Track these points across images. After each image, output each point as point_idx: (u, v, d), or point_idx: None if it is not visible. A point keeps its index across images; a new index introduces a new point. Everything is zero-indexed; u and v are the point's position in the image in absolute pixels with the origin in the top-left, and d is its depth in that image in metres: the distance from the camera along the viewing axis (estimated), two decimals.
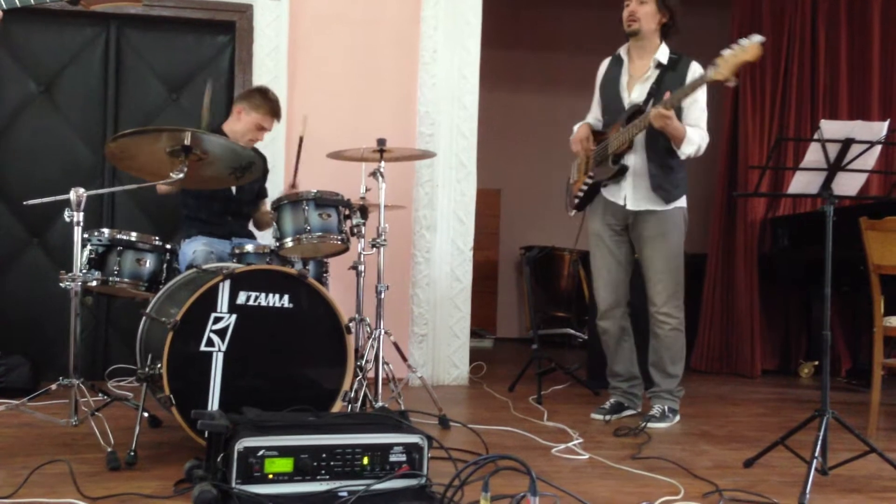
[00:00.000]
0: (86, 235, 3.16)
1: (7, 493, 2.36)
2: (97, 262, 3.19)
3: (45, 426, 3.33)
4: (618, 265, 4.06)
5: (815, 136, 2.91)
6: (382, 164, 3.83)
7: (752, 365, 6.10)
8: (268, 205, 4.39)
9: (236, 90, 4.84)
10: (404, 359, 4.02)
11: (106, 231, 3.24)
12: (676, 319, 3.94)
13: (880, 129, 2.93)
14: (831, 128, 2.91)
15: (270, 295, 2.98)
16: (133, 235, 3.28)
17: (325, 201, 3.47)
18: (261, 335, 2.96)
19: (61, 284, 3.00)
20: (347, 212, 3.59)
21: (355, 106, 5.07)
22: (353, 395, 3.43)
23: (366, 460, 2.43)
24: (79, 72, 4.94)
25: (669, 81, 3.80)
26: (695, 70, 3.84)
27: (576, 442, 3.39)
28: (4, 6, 2.56)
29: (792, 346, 6.45)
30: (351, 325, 3.16)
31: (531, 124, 8.55)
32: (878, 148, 2.94)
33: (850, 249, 3.86)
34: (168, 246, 3.37)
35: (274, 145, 4.84)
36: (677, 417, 3.99)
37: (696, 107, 3.84)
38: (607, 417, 4.00)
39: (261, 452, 2.33)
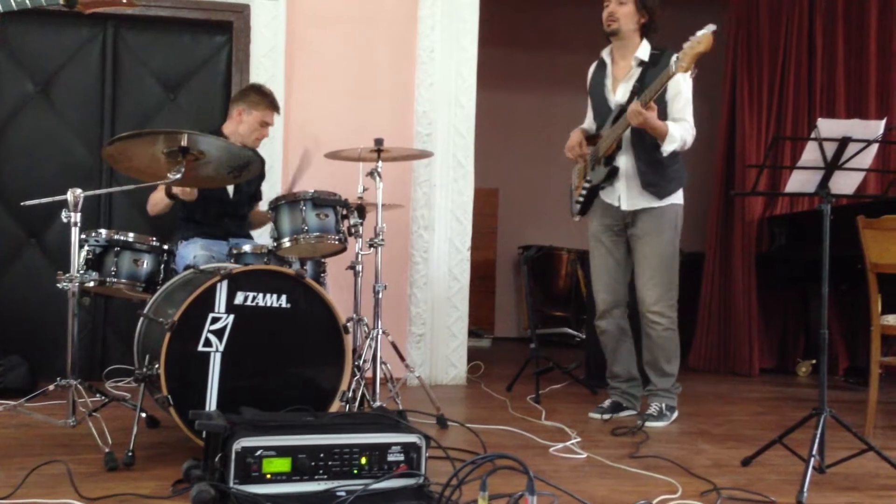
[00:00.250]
0: (83, 236, 3.15)
1: (5, 494, 2.36)
2: (95, 262, 3.19)
3: (42, 427, 3.33)
4: (616, 265, 4.06)
5: (812, 135, 2.92)
6: (380, 163, 3.83)
7: (750, 364, 6.11)
8: (262, 207, 4.40)
9: (233, 90, 4.84)
10: (402, 358, 4.01)
11: (103, 232, 3.25)
12: (668, 319, 3.92)
13: (877, 127, 2.93)
14: (828, 126, 2.91)
15: (268, 295, 2.98)
16: (130, 236, 3.28)
17: (322, 201, 3.47)
18: (258, 335, 2.96)
19: (59, 285, 3.00)
20: (345, 212, 3.59)
21: (352, 106, 5.07)
22: (350, 394, 3.43)
23: (364, 460, 2.43)
24: (76, 72, 4.94)
25: (651, 77, 3.80)
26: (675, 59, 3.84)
27: (574, 441, 3.39)
28: (1, 8, 2.56)
29: (789, 345, 6.46)
30: (349, 324, 3.16)
31: (529, 123, 8.55)
32: (875, 146, 2.95)
33: (847, 248, 3.87)
34: (165, 247, 3.36)
35: (272, 146, 4.84)
36: (675, 414, 4.00)
37: (680, 98, 3.84)
38: (605, 417, 4.00)
39: (259, 452, 2.33)
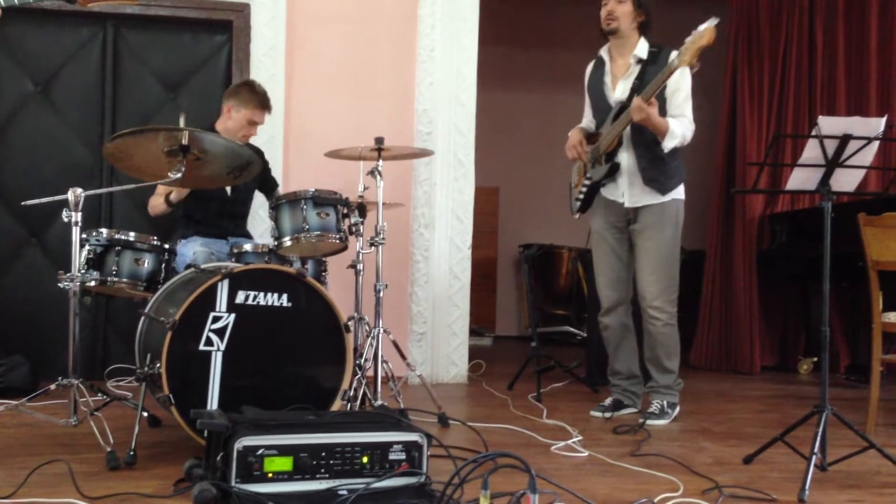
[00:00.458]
0: (84, 235, 3.15)
1: (7, 493, 2.36)
2: (96, 262, 3.19)
3: (44, 426, 3.33)
4: (620, 263, 4.07)
5: (813, 133, 2.92)
6: (380, 162, 3.83)
7: (751, 361, 6.10)
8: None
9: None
10: (403, 357, 4.02)
11: (104, 231, 3.24)
12: (668, 314, 3.93)
13: (878, 125, 2.93)
14: (829, 124, 2.91)
15: (269, 294, 2.98)
16: (131, 235, 3.28)
17: (323, 200, 3.47)
18: (260, 334, 2.96)
19: (60, 284, 3.00)
20: (346, 210, 3.58)
21: (353, 104, 5.07)
22: (352, 393, 3.43)
23: (365, 459, 2.43)
24: (76, 71, 4.94)
25: (651, 74, 3.81)
26: (673, 57, 3.84)
27: (575, 439, 3.39)
28: (3, 4, 2.56)
29: (791, 343, 6.45)
30: (350, 323, 3.16)
31: (529, 122, 8.55)
32: (876, 144, 2.94)
33: (848, 245, 3.86)
34: (166, 246, 3.36)
35: (272, 145, 4.84)
36: (677, 410, 4.00)
37: (679, 95, 3.85)
38: (607, 415, 4.00)
39: (260, 451, 2.33)
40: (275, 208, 3.48)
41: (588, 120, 4.21)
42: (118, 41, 4.98)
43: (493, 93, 6.91)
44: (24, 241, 4.89)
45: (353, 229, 3.70)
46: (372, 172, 3.83)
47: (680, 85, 3.83)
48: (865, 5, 6.20)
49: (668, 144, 3.79)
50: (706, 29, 3.38)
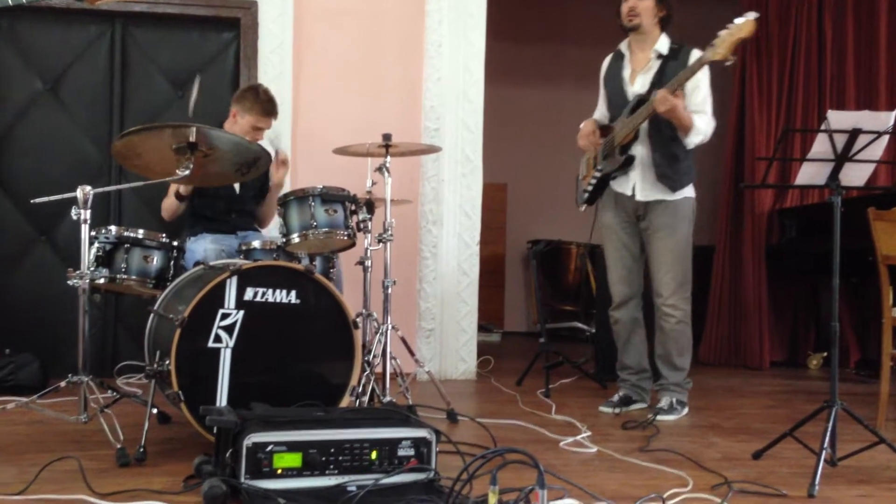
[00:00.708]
0: (93, 233, 3.16)
1: (18, 490, 2.37)
2: (105, 259, 3.20)
3: (54, 423, 3.35)
4: (631, 256, 4.06)
5: (822, 127, 2.90)
6: (388, 159, 3.83)
7: (761, 357, 6.09)
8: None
9: (241, 87, 4.84)
10: (412, 353, 4.02)
11: (113, 228, 3.25)
12: (682, 311, 3.93)
13: (888, 119, 2.92)
14: (838, 118, 2.90)
15: (277, 291, 2.99)
16: (140, 233, 3.28)
17: (330, 197, 3.47)
18: (268, 331, 2.97)
19: (69, 282, 3.01)
20: (353, 207, 3.58)
21: (360, 101, 5.07)
22: (360, 390, 3.44)
23: (374, 455, 2.43)
24: (84, 70, 4.95)
25: (672, 71, 3.80)
26: (696, 56, 3.82)
27: (584, 435, 3.39)
28: (10, 3, 2.56)
29: (800, 338, 6.43)
30: (358, 320, 3.16)
31: (537, 118, 8.53)
32: (886, 138, 2.93)
33: (857, 240, 3.85)
34: (175, 243, 3.37)
35: (280, 143, 4.84)
36: (685, 409, 3.99)
37: (700, 92, 3.84)
38: (616, 410, 3.99)
39: (269, 447, 2.34)
40: (283, 205, 3.49)
41: (601, 113, 4.19)
42: (126, 39, 4.99)
43: (500, 88, 6.89)
44: (34, 238, 4.90)
45: (361, 226, 3.69)
46: (380, 169, 3.83)
47: (699, 82, 3.81)
48: (875, 0, 6.17)
49: (692, 140, 3.78)
50: (745, 21, 3.35)
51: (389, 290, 3.84)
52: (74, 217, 2.98)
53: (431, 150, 4.27)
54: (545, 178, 8.46)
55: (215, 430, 2.43)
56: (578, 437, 3.34)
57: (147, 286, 3.29)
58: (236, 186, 4.14)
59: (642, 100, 3.82)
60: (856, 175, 3.01)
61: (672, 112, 3.66)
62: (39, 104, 4.91)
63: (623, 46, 4.07)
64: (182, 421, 3.04)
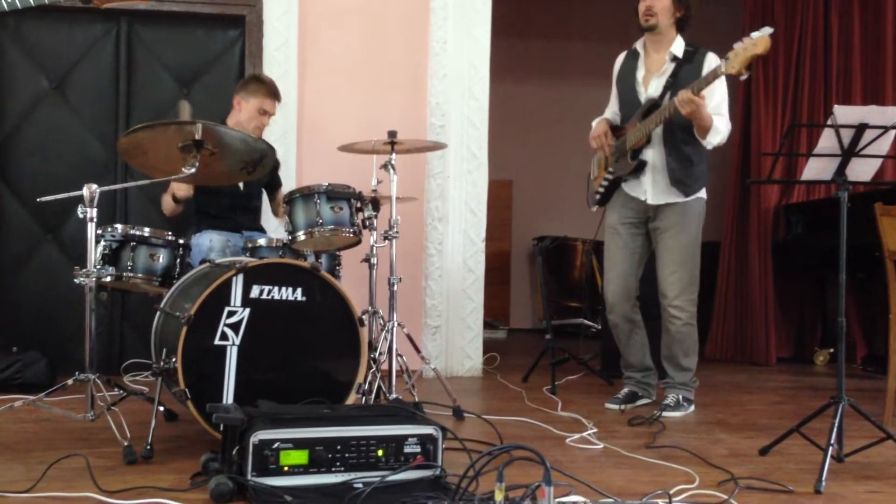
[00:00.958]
0: (99, 231, 3.16)
1: (25, 488, 2.38)
2: (111, 257, 3.20)
3: (61, 421, 3.35)
4: (631, 258, 4.05)
5: (829, 122, 2.89)
6: (394, 156, 3.83)
7: (767, 353, 6.08)
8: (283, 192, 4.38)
9: None
10: (418, 350, 4.03)
11: (119, 227, 3.26)
12: (688, 313, 3.91)
13: (894, 113, 2.91)
14: (845, 113, 2.89)
15: (283, 288, 2.99)
16: (146, 231, 3.29)
17: (336, 194, 3.47)
18: (274, 328, 2.97)
19: (76, 280, 3.02)
20: (359, 204, 3.59)
21: (366, 98, 5.07)
22: (366, 387, 3.43)
23: (380, 452, 2.43)
24: (90, 68, 4.96)
25: (686, 74, 3.78)
26: (711, 61, 3.80)
27: (590, 431, 3.39)
28: (19, 5, 2.57)
29: (807, 334, 6.43)
30: (364, 317, 3.16)
31: (542, 114, 8.53)
32: (893, 133, 2.92)
33: (864, 236, 3.84)
34: (181, 241, 3.37)
35: (285, 141, 4.86)
36: (692, 407, 3.99)
37: (716, 95, 3.81)
38: (622, 407, 3.99)
39: (276, 445, 2.34)
40: (289, 203, 3.49)
41: (613, 112, 4.17)
42: (132, 37, 5.00)
43: (506, 85, 6.90)
44: (40, 237, 4.92)
45: (367, 223, 3.70)
46: (385, 166, 3.83)
47: (715, 86, 3.76)
48: None
49: (713, 140, 3.76)
50: (760, 38, 3.30)
51: (395, 288, 3.84)
52: (81, 215, 2.98)
53: (437, 146, 4.27)
54: (551, 175, 8.46)
55: (222, 427, 2.44)
56: (585, 434, 3.34)
57: (153, 284, 3.30)
58: (241, 185, 4.14)
59: (656, 104, 3.81)
60: (862, 170, 3.00)
61: (695, 113, 3.63)
62: (45, 103, 4.92)
63: (638, 45, 4.04)
64: (189, 418, 3.04)
